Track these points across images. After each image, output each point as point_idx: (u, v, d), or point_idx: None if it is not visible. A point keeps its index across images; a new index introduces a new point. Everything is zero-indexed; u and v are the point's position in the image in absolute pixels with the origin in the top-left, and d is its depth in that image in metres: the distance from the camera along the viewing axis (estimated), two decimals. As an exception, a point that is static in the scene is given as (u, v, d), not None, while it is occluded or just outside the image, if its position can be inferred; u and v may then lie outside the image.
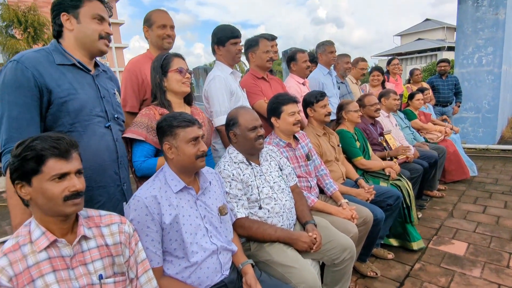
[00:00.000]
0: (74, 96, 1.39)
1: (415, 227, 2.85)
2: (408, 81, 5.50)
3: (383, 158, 3.15)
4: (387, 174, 2.85)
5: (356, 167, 2.88)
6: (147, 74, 2.02)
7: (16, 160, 0.99)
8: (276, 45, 3.21)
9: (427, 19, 36.25)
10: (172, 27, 2.14)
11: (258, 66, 2.67)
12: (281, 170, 2.02)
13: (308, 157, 2.31)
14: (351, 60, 3.98)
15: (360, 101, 3.27)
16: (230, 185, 1.74)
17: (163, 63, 1.80)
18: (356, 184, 2.67)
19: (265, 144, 2.00)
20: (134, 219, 1.32)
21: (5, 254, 0.99)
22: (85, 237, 1.11)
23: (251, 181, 1.81)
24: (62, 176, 1.02)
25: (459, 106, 5.66)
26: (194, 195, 1.48)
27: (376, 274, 2.44)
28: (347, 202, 2.26)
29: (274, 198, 1.84)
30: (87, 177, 1.17)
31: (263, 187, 1.83)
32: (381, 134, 3.34)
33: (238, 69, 2.61)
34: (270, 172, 1.93)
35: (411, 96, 4.35)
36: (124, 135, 1.67)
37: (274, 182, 1.90)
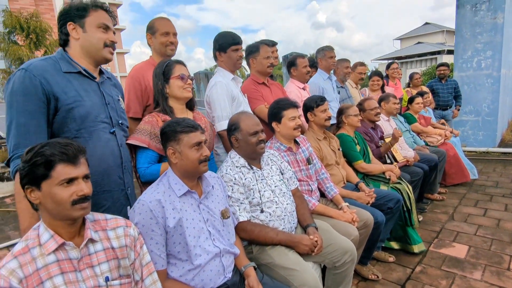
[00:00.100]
0: (80, 103, 1.43)
1: (416, 230, 2.86)
2: (408, 85, 5.53)
3: (380, 157, 3.18)
4: (388, 177, 2.88)
5: (356, 171, 2.91)
6: (150, 81, 2.06)
7: (26, 166, 1.03)
8: (277, 50, 3.26)
9: (426, 23, 36.46)
10: (175, 34, 2.19)
11: (259, 71, 2.71)
12: (282, 174, 2.04)
13: (308, 161, 2.34)
14: (351, 65, 4.02)
15: (360, 105, 3.30)
16: (232, 189, 1.77)
17: (165, 70, 1.84)
18: (356, 188, 2.69)
19: (266, 148, 2.03)
20: (139, 223, 1.35)
21: (15, 256, 1.02)
22: (92, 240, 1.14)
23: (253, 185, 1.84)
24: (70, 180, 1.05)
25: (458, 110, 5.69)
26: (197, 199, 1.51)
27: (377, 277, 2.45)
28: (347, 206, 2.28)
29: (276, 202, 1.87)
30: (92, 182, 1.20)
31: (264, 191, 1.86)
32: (382, 138, 3.37)
33: (239, 74, 2.64)
34: (272, 176, 1.96)
35: (411, 100, 4.38)
36: (127, 142, 1.71)
37: (275, 186, 1.92)
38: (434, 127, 4.58)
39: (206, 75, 8.89)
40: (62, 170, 1.04)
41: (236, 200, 1.77)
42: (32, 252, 1.04)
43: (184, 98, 1.88)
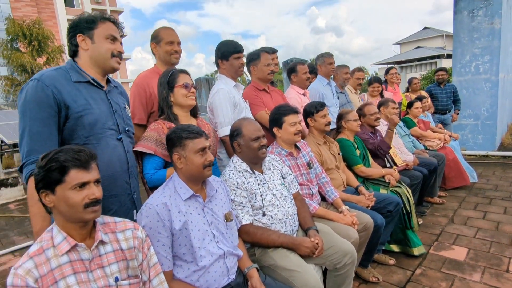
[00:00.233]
0: (89, 111, 1.49)
1: (416, 233, 2.90)
2: (407, 90, 5.60)
3: (376, 155, 3.24)
4: (387, 181, 2.92)
5: (356, 175, 2.96)
6: (154, 88, 2.12)
7: (42, 171, 1.08)
8: (277, 58, 3.32)
9: (425, 27, 36.68)
10: (179, 43, 2.26)
11: (260, 78, 2.77)
12: (283, 178, 2.10)
13: (309, 166, 2.39)
14: (350, 71, 4.09)
15: (360, 111, 3.36)
16: (235, 193, 1.82)
17: (169, 79, 1.91)
18: (356, 191, 2.74)
19: (267, 153, 2.08)
20: (146, 225, 1.40)
21: (31, 257, 1.08)
22: (102, 242, 1.19)
23: (255, 189, 1.89)
24: (83, 185, 1.11)
25: (457, 114, 5.75)
26: (201, 202, 1.57)
27: (378, 279, 2.49)
28: (348, 209, 2.33)
29: (277, 205, 1.92)
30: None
31: (266, 195, 1.91)
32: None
33: (240, 80, 2.71)
34: (273, 180, 2.01)
35: (410, 105, 4.44)
36: (134, 149, 1.77)
37: (277, 190, 1.98)
38: (433, 131, 4.63)
39: (207, 81, 8.99)
40: (75, 175, 1.10)
41: (239, 203, 1.82)
42: (47, 253, 1.10)
43: (188, 106, 1.95)
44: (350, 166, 2.97)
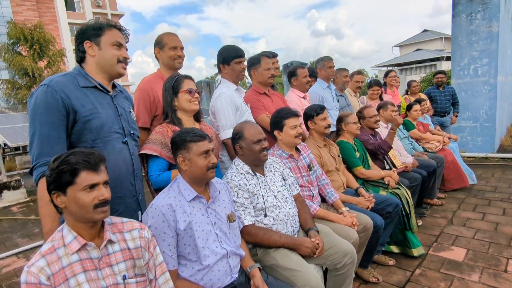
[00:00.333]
0: (96, 115, 1.54)
1: (415, 234, 2.94)
2: (406, 92, 5.65)
3: (374, 153, 3.27)
4: (386, 183, 2.96)
5: (356, 177, 3.00)
6: (158, 92, 2.17)
7: (54, 173, 1.13)
8: (277, 61, 3.38)
9: (425, 30, 36.85)
10: (182, 48, 2.32)
11: (260, 82, 2.82)
12: (284, 180, 2.14)
13: (309, 168, 2.43)
14: (349, 74, 4.14)
15: (360, 113, 3.41)
16: (237, 195, 1.87)
17: (174, 84, 1.96)
18: (356, 193, 2.78)
19: (269, 155, 2.13)
20: (152, 226, 1.45)
21: (43, 256, 1.12)
22: (110, 241, 1.24)
23: (257, 191, 1.93)
24: (92, 186, 1.16)
25: (456, 116, 5.80)
26: (205, 203, 1.61)
27: (378, 280, 2.53)
28: (348, 210, 2.37)
29: (278, 207, 1.96)
30: (107, 188, 1.30)
31: (267, 196, 1.96)
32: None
33: (241, 84, 2.76)
34: (274, 182, 2.05)
35: (409, 107, 4.48)
36: (141, 152, 1.82)
37: (278, 191, 2.02)
38: (433, 134, 4.67)
39: (208, 84, 9.06)
40: (85, 177, 1.14)
41: (241, 205, 1.86)
42: (58, 251, 1.14)
43: (192, 111, 2.00)
44: (350, 168, 3.01)
